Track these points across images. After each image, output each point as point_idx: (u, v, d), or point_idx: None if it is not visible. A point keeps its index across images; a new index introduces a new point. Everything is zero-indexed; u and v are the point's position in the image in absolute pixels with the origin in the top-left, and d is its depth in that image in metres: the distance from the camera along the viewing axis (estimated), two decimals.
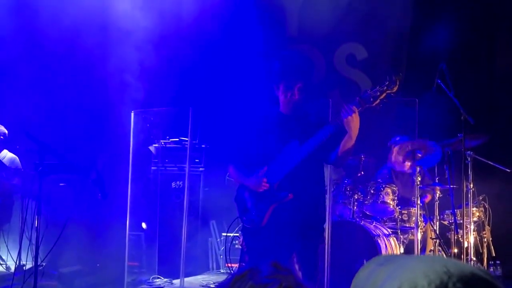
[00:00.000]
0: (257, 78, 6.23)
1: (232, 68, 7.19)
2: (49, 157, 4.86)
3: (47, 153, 4.79)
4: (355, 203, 5.66)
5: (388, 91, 3.43)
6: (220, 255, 6.98)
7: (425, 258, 0.96)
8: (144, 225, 6.68)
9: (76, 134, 6.67)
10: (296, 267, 3.65)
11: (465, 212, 5.39)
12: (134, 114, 6.05)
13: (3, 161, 6.09)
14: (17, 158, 6.32)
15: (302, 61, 3.79)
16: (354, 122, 3.45)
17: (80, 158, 5.83)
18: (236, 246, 6.49)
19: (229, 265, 6.41)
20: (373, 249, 5.16)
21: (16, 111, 6.68)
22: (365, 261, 5.16)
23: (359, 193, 5.73)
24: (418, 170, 5.51)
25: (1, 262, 6.24)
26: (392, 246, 5.44)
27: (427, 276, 0.87)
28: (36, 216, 4.67)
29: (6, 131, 6.36)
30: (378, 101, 3.44)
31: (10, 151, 6.35)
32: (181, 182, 6.62)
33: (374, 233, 5.30)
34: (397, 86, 3.44)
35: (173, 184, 6.76)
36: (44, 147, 4.78)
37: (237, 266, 6.13)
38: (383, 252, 5.19)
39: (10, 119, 6.52)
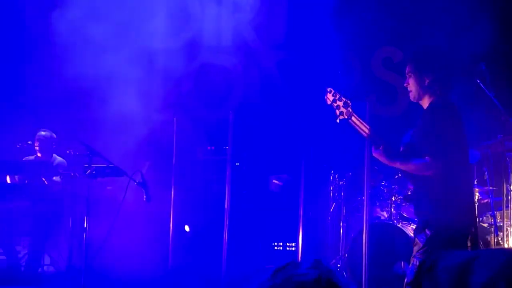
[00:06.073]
0: None
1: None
2: (97, 160, 5.10)
3: (95, 157, 5.03)
4: (393, 205, 5.68)
5: None
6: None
7: None
8: (187, 228, 6.83)
9: (122, 138, 6.90)
10: None
11: (505, 214, 5.35)
12: (177, 120, 6.24)
13: (53, 164, 6.40)
14: (65, 161, 6.60)
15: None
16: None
17: (126, 161, 6.05)
18: (275, 248, 6.60)
19: None
20: (411, 251, 5.17)
21: (65, 116, 6.95)
22: (402, 262, 5.19)
23: (397, 195, 5.76)
24: None
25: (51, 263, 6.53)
26: None
27: None
28: (85, 218, 4.92)
29: (55, 135, 6.64)
30: None
31: (59, 155, 6.64)
32: (223, 186, 6.75)
33: (412, 235, 5.31)
34: None
35: (214, 188, 6.89)
36: (92, 151, 5.03)
37: None
38: None
39: (60, 123, 6.80)
